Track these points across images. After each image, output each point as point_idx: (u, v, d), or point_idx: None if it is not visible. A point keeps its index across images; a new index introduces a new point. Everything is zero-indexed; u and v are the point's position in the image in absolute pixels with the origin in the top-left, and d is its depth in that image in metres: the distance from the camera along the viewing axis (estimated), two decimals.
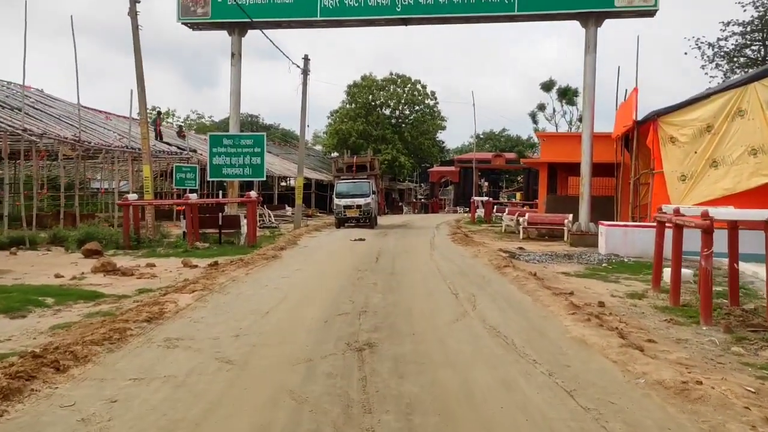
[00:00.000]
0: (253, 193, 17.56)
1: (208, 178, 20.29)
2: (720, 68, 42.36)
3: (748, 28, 39.57)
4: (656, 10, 18.75)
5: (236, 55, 21.61)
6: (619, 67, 20.72)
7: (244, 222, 18.10)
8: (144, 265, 13.41)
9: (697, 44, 40.99)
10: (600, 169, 26.69)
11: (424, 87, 56.48)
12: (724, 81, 40.63)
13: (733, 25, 39.49)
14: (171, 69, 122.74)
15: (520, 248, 18.22)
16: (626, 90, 20.33)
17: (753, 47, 41.45)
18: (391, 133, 55.15)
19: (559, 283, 11.30)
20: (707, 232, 8.05)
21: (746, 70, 40.02)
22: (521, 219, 24.35)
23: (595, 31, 19.09)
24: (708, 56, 41.54)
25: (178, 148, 29.01)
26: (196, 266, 13.14)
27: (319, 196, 45.92)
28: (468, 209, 60.02)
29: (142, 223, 18.89)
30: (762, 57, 40.61)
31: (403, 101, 56.40)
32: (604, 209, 23.38)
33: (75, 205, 19.99)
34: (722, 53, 42.08)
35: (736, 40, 40.64)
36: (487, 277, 11.49)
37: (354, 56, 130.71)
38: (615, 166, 22.25)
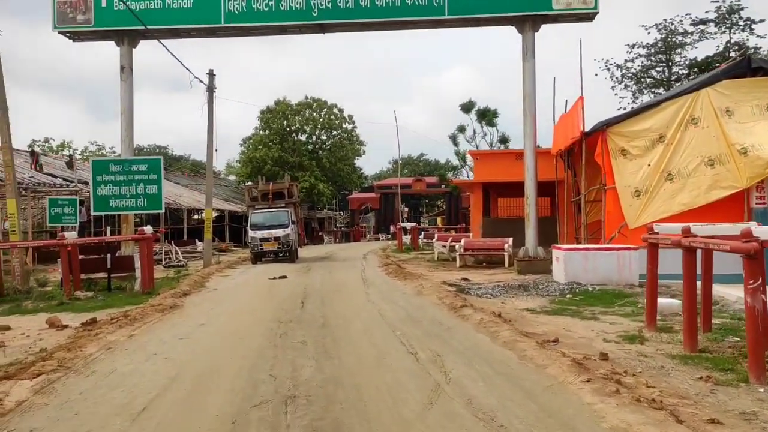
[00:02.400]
0: (147, 229, 14.53)
1: (92, 212, 16.96)
2: (629, 89, 42.90)
3: (653, 50, 40.25)
4: (595, 14, 17.30)
5: (126, 68, 18.57)
6: (554, 78, 19.33)
7: (139, 264, 15.00)
8: None
9: (606, 66, 41.37)
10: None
11: (341, 111, 54.42)
12: (632, 101, 41.25)
13: (638, 47, 40.08)
14: (73, 101, 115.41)
15: (465, 279, 16.05)
16: (566, 101, 18.79)
17: (657, 68, 42.24)
18: (309, 159, 52.57)
19: (532, 326, 9.09)
20: (752, 257, 5.98)
21: (653, 91, 40.69)
22: (456, 245, 22.33)
23: (533, 36, 17.41)
24: (617, 77, 42.03)
25: (65, 180, 25.26)
26: (65, 327, 10.04)
27: (233, 229, 42.57)
28: (390, 236, 58.31)
29: (13, 270, 15.40)
30: (666, 78, 41.37)
31: (319, 126, 54.03)
32: (543, 231, 21.72)
33: None
34: (630, 74, 42.67)
35: (642, 62, 41.28)
36: (445, 324, 9.10)
37: (263, 82, 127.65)
38: (555, 184, 20.65)
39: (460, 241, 25.13)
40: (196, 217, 43.52)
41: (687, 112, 15.50)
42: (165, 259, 25.68)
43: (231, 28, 18.44)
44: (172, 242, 29.82)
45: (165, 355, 7.39)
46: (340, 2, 17.46)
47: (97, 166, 15.67)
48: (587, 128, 16.58)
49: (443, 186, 59.79)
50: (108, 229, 23.79)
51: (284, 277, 17.19)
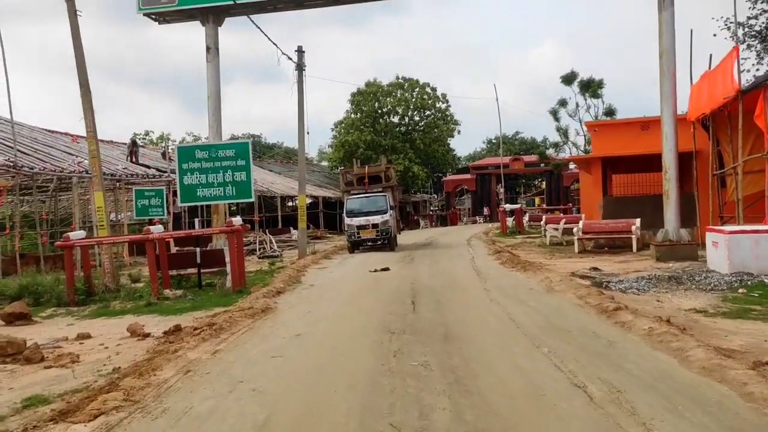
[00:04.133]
0: (236, 220, 13.22)
1: (179, 204, 15.91)
2: (752, 49, 38.16)
3: None
4: None
5: (212, 49, 17.39)
6: (692, 31, 16.37)
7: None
8: (75, 335, 9.15)
9: (726, 24, 36.92)
10: (657, 162, 22.23)
11: (433, 90, 52.30)
12: (757, 62, 36.66)
13: (762, 2, 35.31)
14: (173, 95, 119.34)
15: (594, 269, 13.78)
16: (711, 56, 15.85)
17: None
18: (402, 141, 50.92)
19: (717, 336, 6.90)
20: None
21: None
22: (574, 228, 19.90)
23: None
24: (738, 37, 37.44)
25: (158, 171, 24.76)
26: (146, 335, 8.80)
27: (328, 216, 41.69)
28: (487, 218, 55.72)
29: (102, 268, 14.65)
30: None
31: (412, 107, 52.16)
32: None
33: (15, 246, 15.77)
34: (753, 33, 37.99)
35: (767, 18, 36.59)
36: (603, 335, 7.03)
37: (350, 67, 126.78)
38: (693, 156, 17.74)
39: (576, 223, 22.69)
40: (290, 204, 42.95)
41: None
42: (259, 249, 24.79)
43: None
44: (267, 231, 29.00)
45: (253, 384, 5.80)
46: None
47: (183, 153, 14.51)
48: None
49: (542, 165, 56.38)
50: (196, 221, 22.94)
51: (386, 269, 15.52)
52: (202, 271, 14.22)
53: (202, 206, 24.47)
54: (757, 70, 29.07)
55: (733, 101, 14.10)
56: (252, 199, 15.57)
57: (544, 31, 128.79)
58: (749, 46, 38.56)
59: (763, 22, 38.12)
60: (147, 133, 60.31)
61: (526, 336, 7.16)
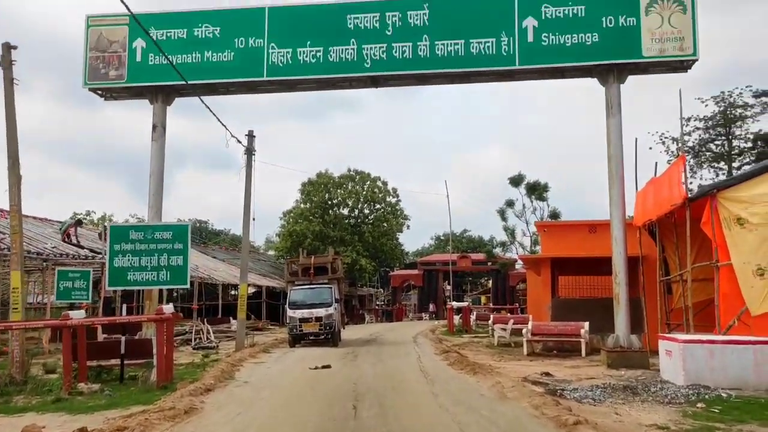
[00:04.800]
0: (167, 308, 12.20)
1: (107, 287, 14.75)
2: (686, 163, 40.17)
3: (710, 123, 37.75)
4: (693, 62, 14.91)
5: (159, 128, 16.81)
6: (636, 139, 16.89)
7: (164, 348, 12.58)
8: None
9: (661, 139, 38.99)
10: (604, 265, 22.31)
11: (384, 184, 52.71)
12: (691, 175, 38.47)
13: (695, 120, 37.59)
14: (120, 177, 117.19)
15: (546, 374, 13.16)
16: (656, 164, 16.21)
17: (717, 142, 39.64)
18: (350, 233, 50.55)
19: None
20: None
21: (713, 165, 37.95)
22: (523, 330, 19.41)
23: (618, 89, 15.05)
24: (672, 151, 39.56)
25: (93, 251, 23.40)
26: None
27: (271, 306, 40.22)
28: (432, 314, 55.00)
29: (12, 355, 13.15)
30: (728, 152, 38.67)
31: (362, 199, 52.26)
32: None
33: None
34: (687, 148, 40.14)
35: (699, 135, 38.85)
36: None
37: (301, 158, 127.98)
38: (640, 261, 17.75)
39: (524, 324, 22.25)
40: (233, 292, 41.38)
41: None
42: (195, 339, 23.31)
43: (273, 83, 16.63)
44: (205, 320, 27.49)
45: None
46: (395, 52, 15.52)
47: (116, 233, 13.55)
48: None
49: (489, 263, 56.75)
50: (124, 306, 21.49)
51: (328, 366, 14.52)
52: (126, 362, 12.93)
53: (138, 291, 23.10)
54: (691, 183, 30.16)
55: (680, 208, 14.23)
56: (187, 286, 14.57)
57: (490, 134, 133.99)
58: None
59: (695, 139, 40.32)
60: (89, 213, 58.25)
61: None
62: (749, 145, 36.85)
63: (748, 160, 35.14)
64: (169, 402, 9.40)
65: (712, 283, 15.18)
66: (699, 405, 9.44)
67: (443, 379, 12.21)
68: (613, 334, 14.75)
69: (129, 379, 12.68)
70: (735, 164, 36.11)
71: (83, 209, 67.08)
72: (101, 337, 16.59)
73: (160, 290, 29.87)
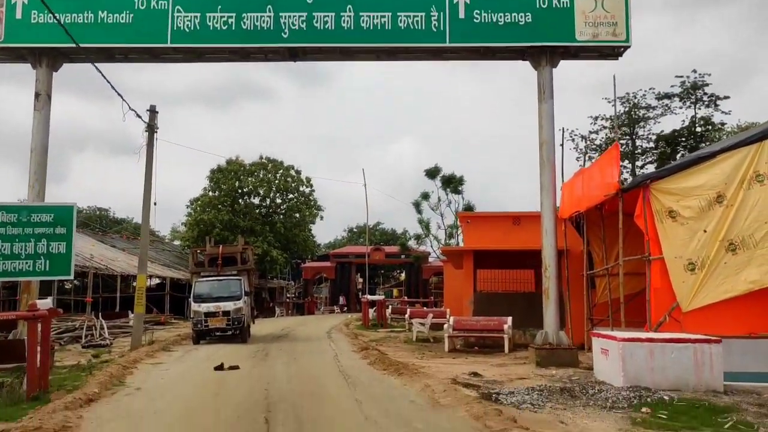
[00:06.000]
0: (43, 303, 10.30)
1: None
2: (592, 160, 41.13)
3: (618, 122, 38.84)
4: (625, 48, 14.39)
5: (43, 96, 14.57)
6: (563, 129, 16.42)
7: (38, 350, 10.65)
8: None
9: (571, 136, 39.75)
10: (528, 258, 21.87)
11: (298, 173, 50.84)
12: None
13: (602, 119, 38.59)
14: (11, 159, 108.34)
15: (475, 374, 12.26)
16: (585, 153, 15.67)
17: (621, 141, 40.85)
18: (261, 224, 48.45)
19: None
20: None
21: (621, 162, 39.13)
22: (445, 325, 18.58)
23: (551, 73, 14.30)
24: (581, 149, 40.48)
25: None
26: None
27: (175, 299, 37.73)
28: (343, 308, 53.86)
29: None
30: (631, 151, 39.90)
31: (274, 188, 50.22)
32: (537, 309, 18.30)
33: None
34: (594, 146, 41.19)
35: (606, 134, 39.92)
36: None
37: (210, 145, 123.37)
38: (565, 254, 17.27)
39: (443, 318, 21.49)
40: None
41: (750, 167, 12.48)
42: (86, 336, 21.02)
43: (179, 50, 14.77)
44: (99, 315, 25.02)
45: None
46: (316, 22, 14.07)
47: None
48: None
49: (403, 256, 56.26)
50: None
51: (236, 367, 13.02)
52: None
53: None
54: None
55: (613, 199, 13.72)
56: (70, 276, 12.61)
57: (403, 127, 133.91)
58: (590, 158, 41.43)
59: (602, 138, 41.30)
60: None
61: None
62: (651, 145, 38.08)
63: (650, 159, 36.30)
64: (36, 419, 7.67)
65: (638, 277, 14.83)
66: (644, 410, 8.73)
67: (365, 382, 11.01)
68: (542, 331, 14.08)
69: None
70: (638, 163, 37.20)
71: None
72: None
73: (48, 282, 27.18)
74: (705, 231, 12.45)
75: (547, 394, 9.87)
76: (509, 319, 17.67)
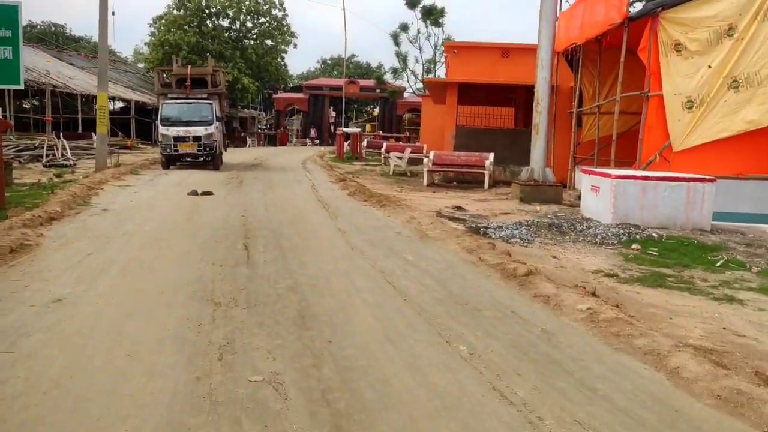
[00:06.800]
0: None
1: None
2: None
3: None
4: None
5: None
6: None
7: None
8: None
9: None
10: (515, 93, 21.06)
11: None
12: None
13: None
14: None
15: (458, 207, 11.93)
16: None
17: None
18: (232, 49, 45.94)
19: (658, 318, 5.16)
20: None
21: None
22: (425, 159, 18.08)
23: None
24: None
25: None
26: None
27: (142, 124, 36.35)
28: (315, 141, 53.05)
29: None
30: None
31: (245, 10, 47.04)
32: (518, 146, 17.86)
33: None
34: None
35: None
36: (534, 322, 4.90)
37: None
38: (554, 90, 16.43)
39: (420, 153, 21.05)
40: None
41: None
42: (47, 156, 20.10)
43: None
44: (61, 135, 23.88)
45: None
46: None
47: None
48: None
49: (378, 91, 54.65)
50: None
51: (209, 193, 12.45)
52: None
53: None
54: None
55: (617, 29, 12.69)
56: (20, 86, 11.36)
57: None
58: None
59: None
60: None
61: (423, 317, 4.83)
62: None
63: None
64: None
65: (627, 116, 14.30)
66: (633, 246, 8.50)
67: (347, 213, 10.55)
68: (527, 167, 13.61)
69: None
70: None
71: None
72: None
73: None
74: (710, 66, 11.76)
75: (535, 230, 9.58)
76: (491, 155, 17.19)
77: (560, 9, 16.08)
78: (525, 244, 8.50)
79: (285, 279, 5.78)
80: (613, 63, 14.40)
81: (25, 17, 51.22)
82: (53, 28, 65.55)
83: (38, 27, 61.86)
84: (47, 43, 46.83)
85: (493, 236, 8.86)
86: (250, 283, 5.61)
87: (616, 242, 8.83)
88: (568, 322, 4.85)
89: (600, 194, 10.40)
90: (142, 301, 5.07)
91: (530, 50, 16.11)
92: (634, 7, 20.14)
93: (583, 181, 11.42)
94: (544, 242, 8.73)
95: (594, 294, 5.57)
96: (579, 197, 13.14)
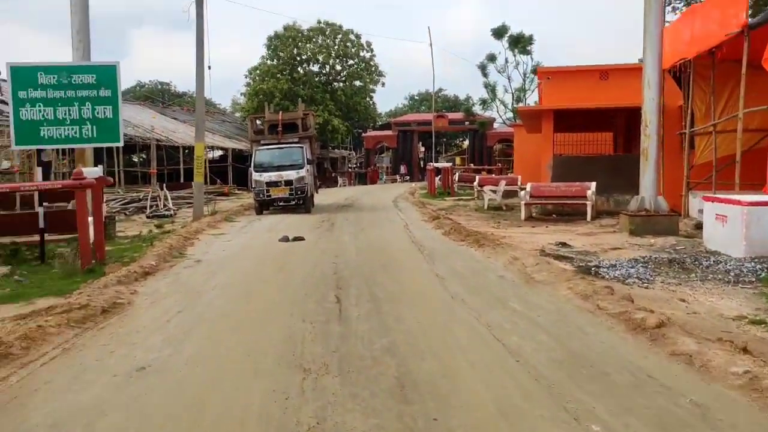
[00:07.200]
0: (92, 170, 9.49)
1: (13, 146, 11.78)
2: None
3: None
4: None
5: None
6: None
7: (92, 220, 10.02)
8: None
9: None
10: (616, 117, 19.88)
11: (358, 37, 48.42)
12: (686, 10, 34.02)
13: None
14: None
15: (563, 244, 11.04)
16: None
17: None
18: (322, 92, 46.96)
19: None
20: None
21: None
22: (522, 192, 17.24)
23: None
24: None
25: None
26: None
27: (238, 170, 37.48)
28: (404, 177, 52.91)
29: None
30: None
31: (333, 54, 48.12)
32: (620, 173, 16.67)
33: None
34: None
35: None
36: (681, 391, 4.08)
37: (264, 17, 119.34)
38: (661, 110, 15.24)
39: (515, 186, 20.21)
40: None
41: None
42: (151, 207, 20.85)
43: None
44: (164, 186, 24.85)
45: None
46: None
47: (19, 75, 10.41)
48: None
49: (467, 123, 54.14)
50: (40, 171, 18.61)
51: (301, 238, 12.22)
52: (50, 238, 10.44)
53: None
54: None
55: (732, 42, 11.55)
56: (120, 143, 11.70)
57: None
58: None
59: None
60: None
61: (541, 384, 4.12)
62: None
63: None
64: (86, 293, 6.97)
65: (748, 134, 12.94)
66: None
67: (443, 254, 9.94)
68: (637, 196, 12.54)
69: (54, 258, 10.22)
70: None
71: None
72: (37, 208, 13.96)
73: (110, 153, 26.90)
74: None
75: (654, 267, 8.59)
76: (593, 185, 16.13)
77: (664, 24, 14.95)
78: (645, 284, 7.55)
79: (381, 338, 5.23)
80: (727, 77, 13.19)
81: (135, 78, 54.62)
82: (159, 86, 69.94)
83: (146, 86, 66.22)
84: (153, 101, 49.79)
85: (607, 276, 7.97)
86: (343, 343, 5.10)
87: (753, 279, 7.72)
88: (722, 390, 3.99)
89: (728, 223, 9.26)
90: (228, 367, 4.66)
91: (631, 70, 15.17)
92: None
93: (706, 209, 10.27)
94: (666, 282, 7.74)
95: (745, 350, 4.66)
96: (696, 226, 11.95)
